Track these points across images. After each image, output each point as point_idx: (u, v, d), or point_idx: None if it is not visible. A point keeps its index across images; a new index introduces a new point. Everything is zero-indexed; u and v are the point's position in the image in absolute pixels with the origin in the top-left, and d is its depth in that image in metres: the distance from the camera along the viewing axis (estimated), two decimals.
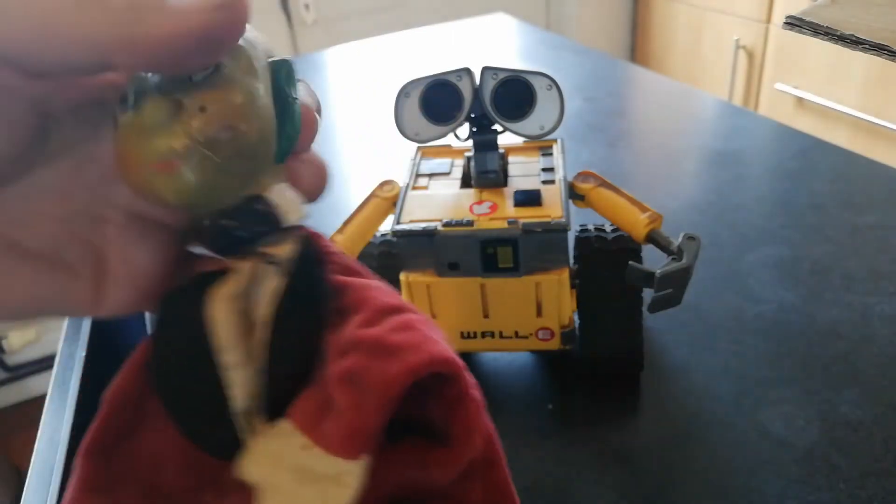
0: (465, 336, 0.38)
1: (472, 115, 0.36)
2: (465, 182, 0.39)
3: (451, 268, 0.35)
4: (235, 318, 0.18)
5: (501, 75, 0.35)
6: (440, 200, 0.37)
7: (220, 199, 0.18)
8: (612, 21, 1.88)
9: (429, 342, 0.17)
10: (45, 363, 1.46)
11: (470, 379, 0.18)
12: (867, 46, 0.31)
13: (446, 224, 0.34)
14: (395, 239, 0.36)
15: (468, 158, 0.39)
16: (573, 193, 0.38)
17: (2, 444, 1.36)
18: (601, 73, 0.87)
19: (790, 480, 0.33)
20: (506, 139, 0.37)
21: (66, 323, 0.49)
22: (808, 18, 0.33)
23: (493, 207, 0.36)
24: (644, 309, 0.36)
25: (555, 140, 0.41)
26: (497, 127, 0.36)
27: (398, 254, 0.36)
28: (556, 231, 0.34)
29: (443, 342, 0.18)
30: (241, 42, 0.17)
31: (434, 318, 0.37)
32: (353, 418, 0.16)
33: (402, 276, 0.36)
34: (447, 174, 0.40)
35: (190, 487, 0.18)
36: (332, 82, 0.92)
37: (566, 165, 0.39)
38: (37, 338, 1.46)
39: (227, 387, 0.17)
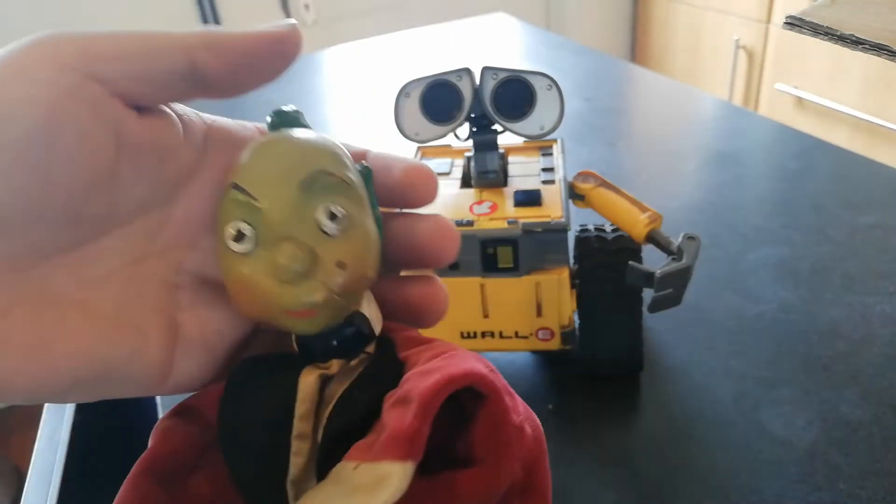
0: (465, 336, 0.38)
1: (472, 115, 0.36)
2: (465, 182, 0.39)
3: (451, 267, 0.35)
4: (317, 393, 0.18)
5: (501, 75, 0.35)
6: (440, 200, 0.37)
7: (331, 325, 0.18)
8: (612, 21, 1.88)
9: (468, 362, 0.17)
10: None
11: (513, 405, 0.18)
12: (867, 46, 0.31)
13: None
14: None
15: (468, 158, 0.39)
16: (573, 193, 0.38)
17: (2, 444, 1.36)
18: (601, 73, 0.87)
19: (790, 480, 0.33)
20: (506, 139, 0.37)
21: None
22: (808, 18, 0.33)
23: (493, 207, 0.36)
24: (644, 309, 0.36)
25: (555, 140, 0.41)
26: (497, 127, 0.36)
27: None
28: (555, 231, 0.34)
29: (484, 367, 0.18)
30: (348, 174, 0.18)
31: None
32: (396, 425, 0.16)
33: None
34: (447, 174, 0.40)
35: None
36: (332, 82, 0.92)
37: (566, 165, 0.39)
38: None
39: (293, 454, 0.18)
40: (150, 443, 0.19)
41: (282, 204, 0.17)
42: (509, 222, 0.34)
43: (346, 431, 0.17)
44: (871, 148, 1.28)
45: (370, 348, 0.19)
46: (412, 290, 0.21)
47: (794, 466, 0.34)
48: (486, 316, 0.37)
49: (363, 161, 0.20)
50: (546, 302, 0.36)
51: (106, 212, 0.17)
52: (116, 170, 0.16)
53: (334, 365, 0.19)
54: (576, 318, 0.38)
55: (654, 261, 0.34)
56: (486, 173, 0.37)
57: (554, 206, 0.35)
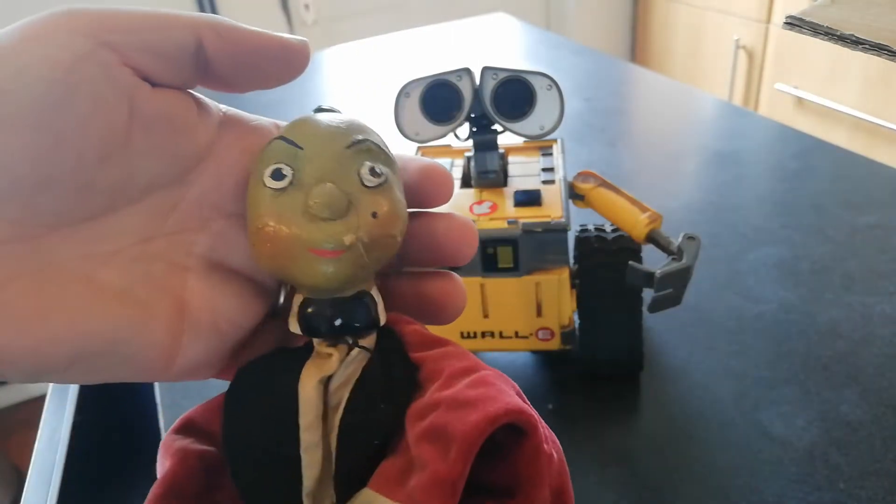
0: (465, 336, 0.38)
1: (472, 115, 0.36)
2: (465, 182, 0.39)
3: (451, 268, 0.35)
4: (319, 399, 0.18)
5: (501, 75, 0.35)
6: None
7: (344, 290, 0.18)
8: (612, 21, 1.88)
9: (504, 394, 0.17)
10: None
11: (546, 433, 0.18)
12: (867, 46, 0.31)
13: None
14: None
15: (468, 158, 0.39)
16: (573, 193, 0.38)
17: (2, 444, 1.37)
18: (601, 73, 0.87)
19: (790, 480, 0.33)
20: (506, 139, 0.37)
21: None
22: (808, 18, 0.33)
23: (493, 207, 0.36)
24: (644, 309, 0.36)
25: (555, 140, 0.41)
26: (497, 127, 0.36)
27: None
28: (555, 231, 0.34)
29: (516, 396, 0.18)
30: (388, 149, 0.19)
31: None
32: (438, 468, 0.16)
33: None
34: None
35: None
36: (331, 82, 0.92)
37: (566, 165, 0.39)
38: None
39: (305, 467, 0.17)
40: (165, 463, 0.18)
41: (327, 154, 0.17)
42: (509, 222, 0.34)
43: (364, 439, 0.17)
44: (871, 148, 1.28)
45: (369, 342, 0.19)
46: (431, 286, 0.21)
47: (793, 466, 0.34)
48: (486, 316, 0.37)
49: None
50: (546, 302, 0.36)
51: (117, 183, 0.17)
52: (129, 139, 0.16)
53: (334, 359, 0.18)
54: (576, 318, 0.38)
55: (654, 261, 0.34)
56: (486, 173, 0.37)
57: (554, 206, 0.35)
